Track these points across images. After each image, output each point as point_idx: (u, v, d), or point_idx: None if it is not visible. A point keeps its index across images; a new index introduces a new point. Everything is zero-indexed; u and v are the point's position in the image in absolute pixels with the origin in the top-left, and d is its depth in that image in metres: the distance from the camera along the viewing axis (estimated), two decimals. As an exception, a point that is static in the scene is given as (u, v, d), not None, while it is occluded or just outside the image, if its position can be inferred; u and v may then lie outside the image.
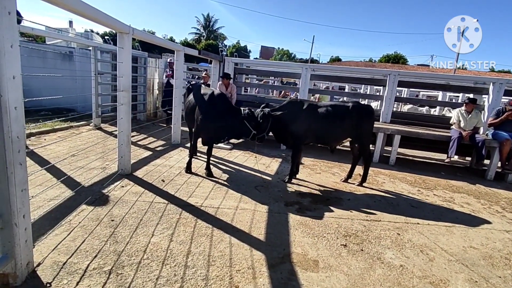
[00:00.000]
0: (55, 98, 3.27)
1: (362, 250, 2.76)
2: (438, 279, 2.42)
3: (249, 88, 12.93)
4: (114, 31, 3.92)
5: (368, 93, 11.56)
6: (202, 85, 4.76)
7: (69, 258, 2.26)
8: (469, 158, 6.64)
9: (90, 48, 7.42)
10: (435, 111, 10.57)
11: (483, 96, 6.97)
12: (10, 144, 1.73)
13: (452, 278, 2.46)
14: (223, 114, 4.10)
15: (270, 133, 4.29)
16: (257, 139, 4.10)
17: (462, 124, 5.74)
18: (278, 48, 49.59)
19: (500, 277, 2.55)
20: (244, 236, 2.81)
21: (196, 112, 4.29)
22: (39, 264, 2.15)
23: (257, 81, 14.46)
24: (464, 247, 3.01)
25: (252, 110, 4.10)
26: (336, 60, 41.97)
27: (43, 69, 7.67)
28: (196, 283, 2.12)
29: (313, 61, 39.49)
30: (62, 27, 16.36)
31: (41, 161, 4.23)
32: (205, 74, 7.83)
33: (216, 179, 4.27)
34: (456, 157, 6.97)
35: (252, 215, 3.25)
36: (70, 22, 20.37)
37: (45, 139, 5.57)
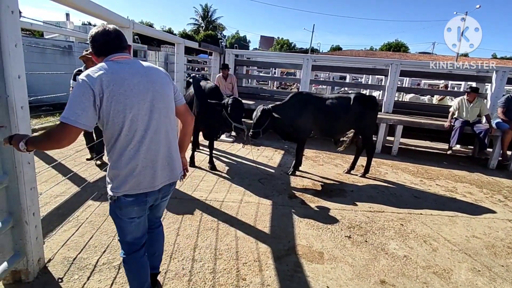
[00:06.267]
0: (55, 93, 3.24)
1: (366, 241, 2.80)
2: (441, 269, 2.46)
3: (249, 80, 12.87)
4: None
5: (369, 83, 11.50)
6: (202, 79, 4.70)
7: (79, 253, 2.30)
8: (472, 147, 6.65)
9: (89, 42, 7.36)
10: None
11: (486, 84, 6.93)
12: (18, 143, 1.74)
13: (456, 268, 2.50)
14: (211, 107, 3.96)
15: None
16: (252, 133, 3.99)
17: (464, 114, 5.70)
18: (278, 37, 49.11)
19: (502, 266, 2.58)
20: (249, 229, 2.85)
21: (193, 106, 4.29)
22: (49, 260, 2.20)
23: (257, 72, 14.37)
24: (467, 236, 3.04)
25: (238, 98, 3.98)
26: (337, 49, 41.58)
27: (43, 64, 7.62)
28: (204, 276, 2.16)
29: (313, 50, 39.15)
30: (58, 20, 16.19)
31: (45, 157, 4.25)
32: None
33: (220, 173, 4.29)
34: (458, 147, 6.98)
35: (256, 208, 3.28)
36: (67, 15, 20.09)
37: (48, 135, 5.57)
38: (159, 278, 2.09)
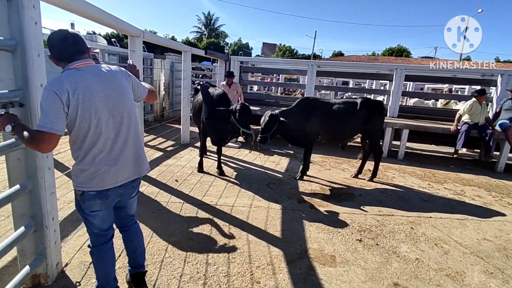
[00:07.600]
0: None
1: (377, 244, 2.81)
2: (454, 271, 2.47)
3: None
4: (117, 32, 3.96)
5: (373, 87, 11.55)
6: (209, 86, 4.77)
7: (95, 258, 2.33)
8: (478, 151, 6.63)
9: (97, 50, 7.49)
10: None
11: (491, 88, 6.95)
12: (40, 149, 1.80)
13: (468, 270, 2.50)
14: (219, 113, 4.01)
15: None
16: (260, 138, 4.05)
17: (478, 117, 5.63)
18: (280, 44, 49.35)
19: (515, 268, 2.58)
20: (261, 233, 2.87)
21: (202, 112, 4.35)
22: (66, 264, 2.23)
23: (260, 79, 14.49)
24: (478, 239, 3.04)
25: (246, 104, 4.03)
26: (339, 54, 41.76)
27: (52, 73, 7.73)
28: (219, 280, 2.18)
29: (315, 56, 39.34)
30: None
31: (57, 165, 4.30)
32: None
33: (228, 178, 4.33)
34: (464, 150, 6.97)
35: (266, 213, 3.30)
36: (72, 25, 20.33)
37: (57, 142, 5.65)
38: (173, 281, 2.13)
